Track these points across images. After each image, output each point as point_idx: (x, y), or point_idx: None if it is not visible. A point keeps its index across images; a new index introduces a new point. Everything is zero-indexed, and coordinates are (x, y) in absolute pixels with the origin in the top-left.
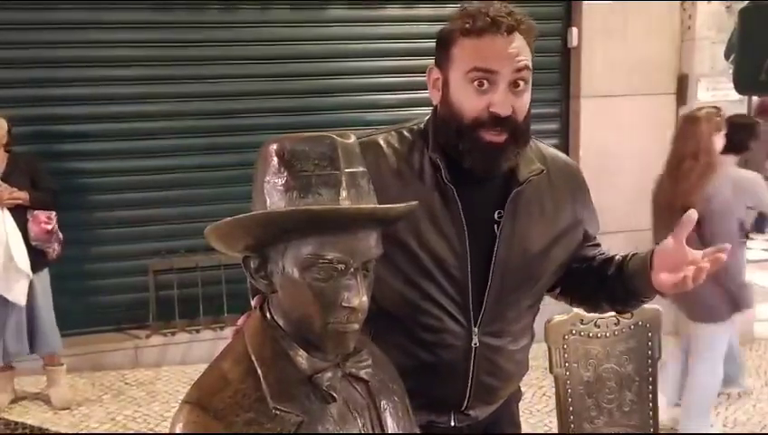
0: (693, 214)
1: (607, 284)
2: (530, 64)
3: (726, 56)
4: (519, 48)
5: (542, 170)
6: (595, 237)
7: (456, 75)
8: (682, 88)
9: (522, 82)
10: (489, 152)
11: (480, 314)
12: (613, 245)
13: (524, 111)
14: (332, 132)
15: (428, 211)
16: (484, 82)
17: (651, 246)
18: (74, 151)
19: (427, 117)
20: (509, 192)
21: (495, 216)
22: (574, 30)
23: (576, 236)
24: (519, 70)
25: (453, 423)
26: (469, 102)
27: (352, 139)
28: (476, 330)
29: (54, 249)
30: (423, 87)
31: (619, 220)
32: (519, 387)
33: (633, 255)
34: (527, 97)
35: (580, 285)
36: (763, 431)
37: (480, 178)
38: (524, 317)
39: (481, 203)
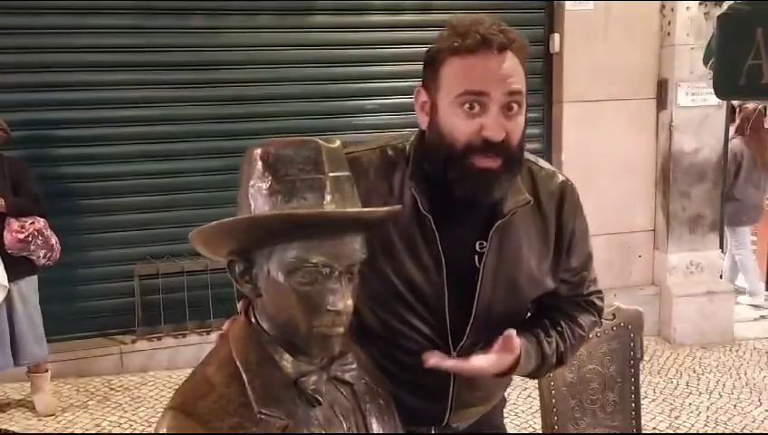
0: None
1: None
2: (523, 88)
3: (705, 62)
4: (512, 68)
5: (529, 202)
6: (575, 268)
7: (446, 99)
8: (662, 93)
9: (515, 106)
10: (482, 179)
11: (461, 342)
12: (595, 247)
13: (518, 135)
14: (317, 137)
15: (405, 238)
16: (475, 105)
17: (634, 248)
18: (57, 156)
19: (412, 137)
20: (492, 223)
21: (477, 246)
22: (556, 36)
23: (562, 264)
24: (512, 93)
25: (434, 432)
26: (460, 127)
27: (337, 143)
28: (455, 354)
29: (40, 256)
30: (407, 92)
31: (601, 223)
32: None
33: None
34: (521, 120)
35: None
36: (744, 431)
37: (462, 207)
38: None
39: (461, 233)
